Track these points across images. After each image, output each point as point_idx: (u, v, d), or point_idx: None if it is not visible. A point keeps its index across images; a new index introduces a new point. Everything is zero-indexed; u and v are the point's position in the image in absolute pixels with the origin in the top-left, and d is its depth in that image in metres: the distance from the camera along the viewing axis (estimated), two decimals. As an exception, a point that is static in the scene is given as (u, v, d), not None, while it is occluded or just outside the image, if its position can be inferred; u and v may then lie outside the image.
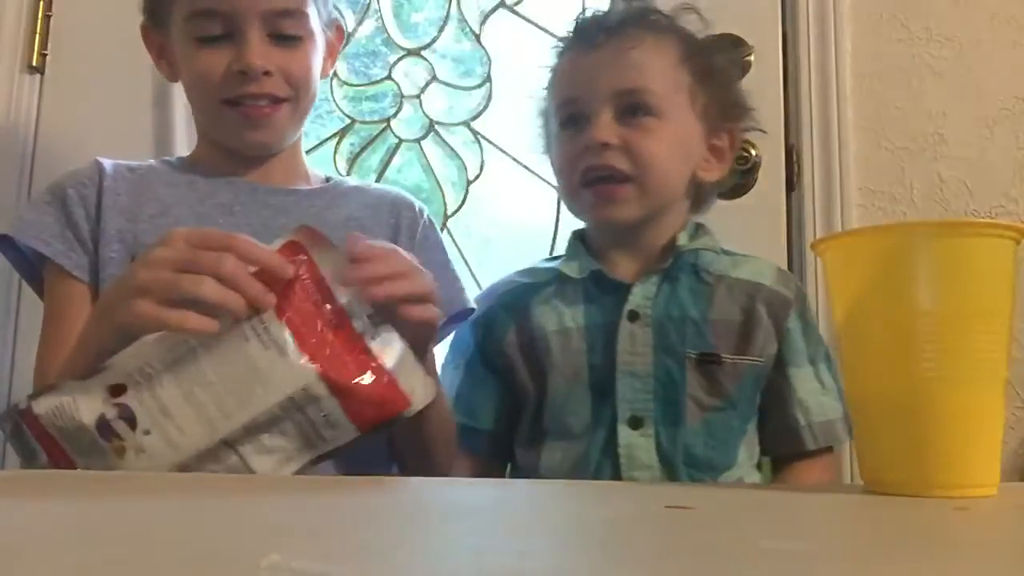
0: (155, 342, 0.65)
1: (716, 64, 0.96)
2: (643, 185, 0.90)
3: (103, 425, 0.63)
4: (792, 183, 1.23)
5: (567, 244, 0.99)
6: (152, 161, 0.95)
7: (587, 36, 0.94)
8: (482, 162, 1.32)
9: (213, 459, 0.64)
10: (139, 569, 0.28)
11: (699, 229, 0.97)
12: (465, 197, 1.32)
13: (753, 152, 1.19)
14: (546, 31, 1.31)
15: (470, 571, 0.28)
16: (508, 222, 1.34)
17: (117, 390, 0.64)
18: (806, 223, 1.21)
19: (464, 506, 0.50)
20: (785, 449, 0.94)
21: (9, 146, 1.25)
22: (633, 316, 0.89)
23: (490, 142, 1.32)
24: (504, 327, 0.94)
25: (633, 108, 0.90)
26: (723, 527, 0.42)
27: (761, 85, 1.21)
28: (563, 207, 1.15)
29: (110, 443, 0.63)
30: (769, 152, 1.21)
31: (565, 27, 0.98)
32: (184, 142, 1.24)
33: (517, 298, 0.95)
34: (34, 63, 1.28)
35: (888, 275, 0.55)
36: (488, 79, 1.33)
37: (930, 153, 1.24)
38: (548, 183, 1.21)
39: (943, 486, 0.53)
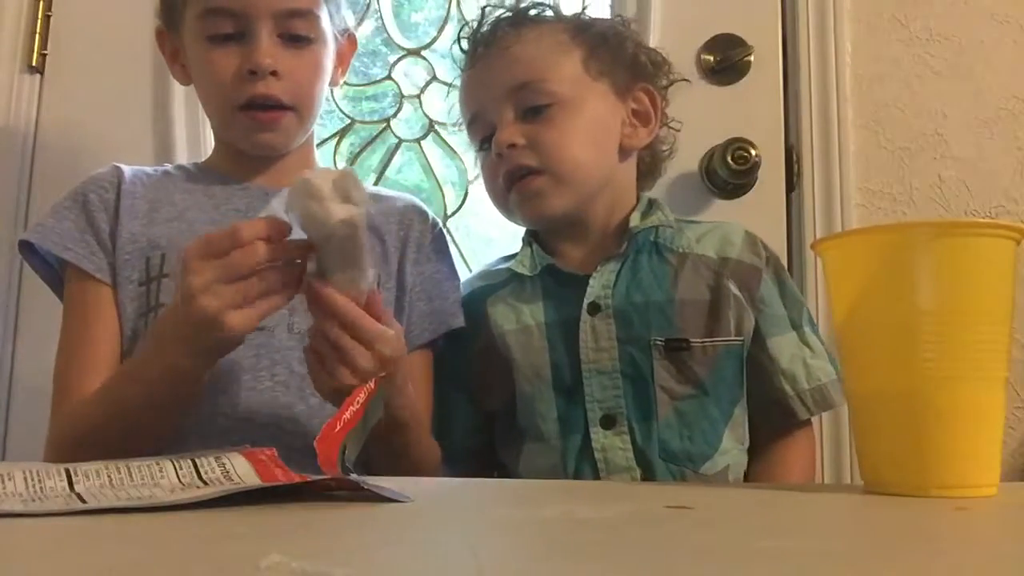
0: None
1: (605, 29, 0.94)
2: (557, 176, 0.88)
3: None
4: (792, 183, 1.23)
5: (521, 241, 0.97)
6: (168, 166, 0.96)
7: (469, 55, 0.94)
8: (482, 162, 1.32)
9: None
10: (140, 569, 0.28)
11: (652, 205, 0.94)
12: (465, 197, 1.31)
13: (753, 152, 1.18)
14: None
15: (469, 571, 0.28)
16: (508, 222, 1.34)
17: None
18: (806, 223, 1.21)
19: (462, 506, 0.50)
20: (775, 423, 0.91)
21: (9, 146, 1.25)
22: (594, 308, 0.87)
23: (490, 142, 1.32)
24: (466, 339, 0.92)
25: (532, 101, 0.89)
26: (722, 527, 0.42)
27: (761, 85, 1.21)
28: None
29: None
30: (769, 152, 1.21)
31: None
32: (184, 142, 1.24)
33: (473, 306, 0.93)
34: (34, 63, 1.28)
35: (888, 275, 0.56)
36: (488, 79, 1.33)
37: (930, 153, 1.24)
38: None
39: (943, 486, 0.53)
